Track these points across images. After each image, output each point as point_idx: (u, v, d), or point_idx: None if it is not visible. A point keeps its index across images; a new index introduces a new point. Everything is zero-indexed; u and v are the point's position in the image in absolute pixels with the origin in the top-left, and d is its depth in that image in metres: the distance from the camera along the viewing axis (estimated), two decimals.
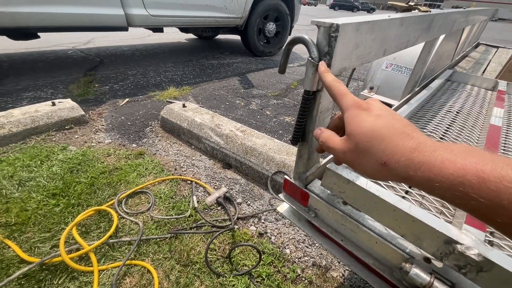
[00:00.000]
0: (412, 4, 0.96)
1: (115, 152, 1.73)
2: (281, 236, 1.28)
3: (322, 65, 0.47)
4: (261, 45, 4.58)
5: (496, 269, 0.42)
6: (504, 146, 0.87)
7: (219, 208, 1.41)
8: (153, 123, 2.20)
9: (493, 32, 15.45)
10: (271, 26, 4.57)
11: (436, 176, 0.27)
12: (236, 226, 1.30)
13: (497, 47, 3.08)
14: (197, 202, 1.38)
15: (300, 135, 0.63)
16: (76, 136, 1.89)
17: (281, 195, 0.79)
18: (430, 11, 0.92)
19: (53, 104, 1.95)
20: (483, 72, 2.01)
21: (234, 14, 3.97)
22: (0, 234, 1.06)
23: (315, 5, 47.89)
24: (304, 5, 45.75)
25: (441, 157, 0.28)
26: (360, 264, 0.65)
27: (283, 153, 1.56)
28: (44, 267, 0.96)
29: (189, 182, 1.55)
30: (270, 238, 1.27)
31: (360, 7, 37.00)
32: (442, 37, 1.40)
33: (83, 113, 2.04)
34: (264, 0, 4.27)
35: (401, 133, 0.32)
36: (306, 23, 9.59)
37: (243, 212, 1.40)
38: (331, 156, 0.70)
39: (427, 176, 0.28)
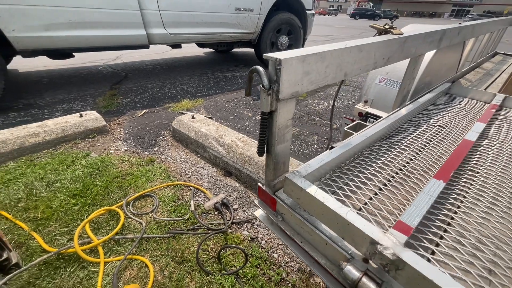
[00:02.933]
0: (387, 27, 1.03)
1: (129, 159, 1.93)
2: (271, 242, 1.36)
3: None
4: None
5: (407, 268, 0.48)
6: (465, 162, 0.90)
7: (216, 212, 1.52)
8: (165, 133, 2.40)
9: None
10: (283, 39, 4.73)
11: None
12: (229, 230, 1.40)
13: None
14: (195, 206, 1.51)
15: (263, 148, 0.73)
16: (98, 144, 2.12)
17: (255, 201, 0.89)
18: (401, 34, 0.99)
19: (81, 115, 2.22)
20: (491, 83, 1.97)
21: (247, 29, 4.19)
22: (28, 227, 1.26)
23: (335, 15, 47.87)
24: (324, 15, 45.92)
25: None
26: (317, 264, 0.72)
27: None
28: (60, 256, 1.13)
29: (191, 188, 1.69)
30: (261, 243, 1.35)
31: (382, 15, 36.34)
32: (431, 53, 1.44)
33: (105, 123, 2.29)
34: (277, 15, 4.45)
35: None
36: (324, 33, 9.68)
37: (238, 217, 1.50)
38: (302, 166, 0.78)
39: None
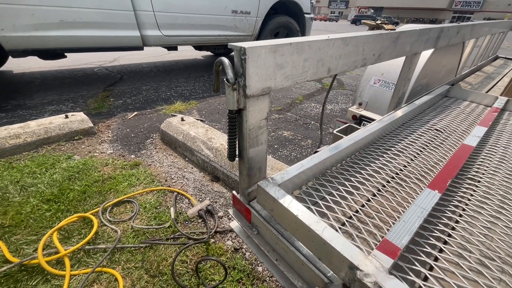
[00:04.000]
0: (379, 22, 0.95)
1: (113, 162, 1.84)
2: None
3: None
4: None
5: None
6: (464, 169, 0.81)
7: (200, 220, 1.43)
8: (154, 135, 2.32)
9: None
10: None
11: None
12: (212, 240, 1.30)
13: None
14: (175, 213, 1.41)
15: (234, 152, 0.64)
16: (83, 146, 2.04)
17: (230, 211, 0.80)
18: (394, 29, 0.91)
19: (66, 116, 2.15)
20: (492, 87, 1.88)
21: (244, 32, 4.14)
22: None
23: (336, 21, 48.21)
24: (325, 21, 46.27)
25: None
26: (294, 286, 0.63)
27: (268, 168, 1.56)
28: (23, 267, 1.04)
29: (175, 193, 1.60)
30: (245, 254, 1.25)
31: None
32: (428, 52, 1.36)
33: (92, 125, 2.21)
34: (275, 18, 4.41)
35: None
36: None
37: (223, 226, 1.41)
38: (278, 173, 0.70)
39: None
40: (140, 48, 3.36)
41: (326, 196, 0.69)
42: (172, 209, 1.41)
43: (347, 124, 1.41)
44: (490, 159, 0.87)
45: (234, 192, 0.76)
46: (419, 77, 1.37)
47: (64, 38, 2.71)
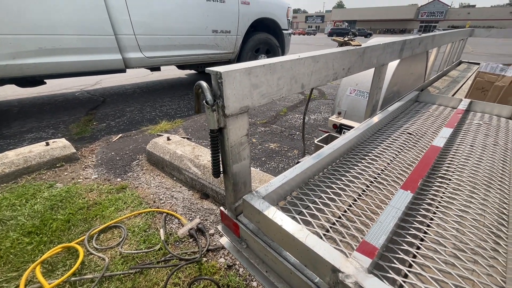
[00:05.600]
0: (346, 39, 1.04)
1: (98, 187, 1.80)
2: (248, 271, 1.25)
3: None
4: None
5: None
6: (435, 169, 0.87)
7: (191, 240, 1.41)
8: (140, 156, 2.30)
9: (493, 47, 15.63)
10: (263, 58, 4.85)
11: None
12: (205, 258, 1.29)
13: (478, 64, 3.12)
14: (165, 234, 1.39)
15: (218, 168, 0.67)
16: (66, 173, 1.98)
17: (219, 227, 0.81)
18: (360, 45, 0.99)
19: (47, 144, 2.09)
20: (457, 90, 2.04)
21: (225, 50, 4.27)
22: None
23: (314, 34, 50.52)
24: (303, 35, 48.34)
25: None
26: None
27: (255, 181, 1.58)
28: None
29: (164, 214, 1.57)
30: (238, 271, 1.24)
31: (357, 33, 38.79)
32: (395, 62, 1.47)
33: (75, 151, 2.16)
34: (254, 35, 4.60)
35: None
36: (300, 51, 10.08)
37: (215, 243, 1.39)
38: (262, 186, 0.72)
39: None
40: (122, 71, 3.38)
41: (310, 205, 0.72)
42: (161, 231, 1.39)
43: (327, 133, 1.47)
44: (457, 157, 0.95)
45: (221, 208, 0.78)
46: (390, 85, 1.47)
47: (44, 65, 2.69)
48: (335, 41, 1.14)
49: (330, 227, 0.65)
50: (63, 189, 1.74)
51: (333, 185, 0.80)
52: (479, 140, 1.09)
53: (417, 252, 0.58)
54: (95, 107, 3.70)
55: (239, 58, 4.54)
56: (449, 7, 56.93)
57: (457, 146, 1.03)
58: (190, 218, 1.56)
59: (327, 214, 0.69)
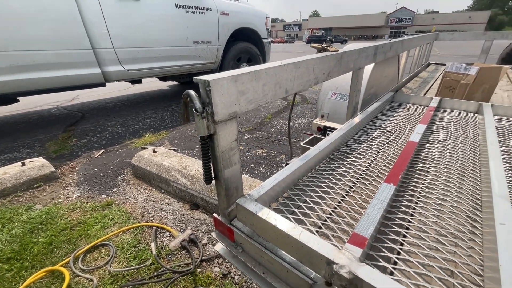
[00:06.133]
0: (324, 46, 1.10)
1: (82, 205, 1.72)
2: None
3: None
4: None
5: (366, 286, 0.44)
6: (414, 162, 0.93)
7: (183, 252, 1.38)
8: (125, 171, 2.23)
9: (457, 48, 16.88)
10: (244, 67, 4.92)
11: None
12: (199, 269, 1.27)
13: (445, 65, 3.36)
14: (157, 248, 1.36)
15: (210, 175, 0.68)
16: (45, 194, 1.89)
17: (213, 234, 0.81)
18: (337, 50, 1.06)
19: (23, 164, 1.98)
20: (428, 89, 2.19)
21: (207, 60, 4.30)
22: None
23: (293, 42, 52.08)
24: (283, 43, 49.67)
25: None
26: None
27: (245, 187, 1.59)
28: None
29: (155, 228, 1.53)
30: (234, 278, 1.23)
31: (333, 40, 40.56)
32: (371, 66, 1.57)
33: (54, 169, 2.07)
34: (235, 45, 4.67)
35: None
36: (281, 59, 10.35)
37: (208, 253, 1.37)
38: (254, 189, 0.74)
39: None
40: (102, 85, 3.31)
41: (301, 204, 0.75)
42: (152, 245, 1.35)
43: (312, 136, 1.52)
44: (433, 150, 1.02)
45: (215, 214, 0.78)
46: (367, 87, 1.56)
47: (16, 82, 2.57)
48: (314, 48, 1.20)
49: (322, 224, 0.68)
50: (43, 210, 1.65)
51: (321, 184, 0.84)
52: (450, 134, 1.18)
53: (403, 240, 0.62)
54: (73, 123, 3.57)
55: (221, 68, 4.59)
56: (415, 13, 61.14)
57: (431, 140, 1.11)
58: (181, 230, 1.53)
59: (318, 212, 0.71)
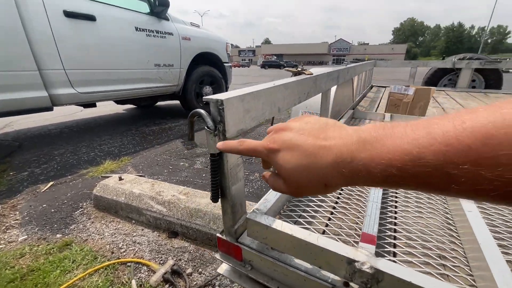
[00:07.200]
0: (300, 69, 1.23)
1: (32, 250, 1.45)
2: None
3: (223, 144, 0.46)
4: (200, 106, 4.86)
5: (387, 277, 0.49)
6: None
7: (166, 286, 1.26)
8: (84, 204, 1.97)
9: (388, 73, 19.95)
10: (207, 89, 4.97)
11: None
12: None
13: (385, 87, 3.97)
14: (140, 286, 1.21)
15: (218, 192, 0.68)
16: None
17: (217, 255, 0.79)
18: (312, 74, 1.19)
19: None
20: (377, 107, 2.55)
21: (170, 83, 4.23)
22: None
23: (248, 66, 54.74)
24: (238, 67, 51.82)
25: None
26: None
27: None
28: None
29: (129, 264, 1.37)
30: None
31: (285, 65, 44.06)
32: (334, 88, 1.78)
33: None
34: (198, 68, 4.73)
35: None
36: (243, 82, 10.77)
37: (195, 282, 1.28)
38: (260, 204, 0.75)
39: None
40: (49, 109, 2.95)
41: (303, 214, 0.79)
42: (133, 282, 1.20)
43: None
44: None
45: (218, 234, 0.76)
46: (333, 106, 1.75)
47: None
48: (289, 71, 1.32)
49: (325, 229, 0.73)
50: None
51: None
52: None
53: (396, 235, 0.70)
54: (8, 154, 3.05)
55: (184, 90, 4.55)
56: (351, 44, 71.22)
57: None
58: (162, 262, 1.40)
59: (320, 219, 0.76)
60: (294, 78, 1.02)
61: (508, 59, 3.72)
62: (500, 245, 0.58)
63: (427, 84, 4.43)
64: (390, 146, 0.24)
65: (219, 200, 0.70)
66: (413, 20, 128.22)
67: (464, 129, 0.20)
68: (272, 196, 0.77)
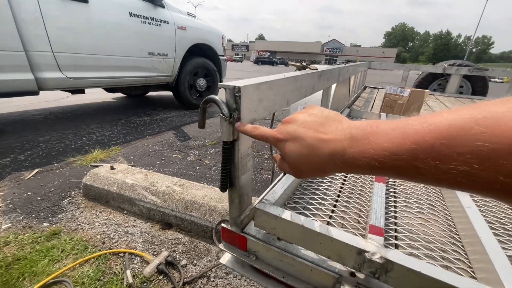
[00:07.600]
0: (305, 64, 1.23)
1: (17, 238, 1.39)
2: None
3: (241, 125, 0.55)
4: (193, 99, 4.78)
5: (396, 267, 0.50)
6: None
7: (161, 277, 1.24)
8: (73, 193, 1.90)
9: (377, 76, 20.37)
10: (201, 82, 4.89)
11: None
12: None
13: (378, 88, 4.05)
14: (133, 276, 1.19)
15: (227, 181, 0.67)
16: None
17: (221, 245, 0.78)
18: (317, 69, 1.19)
19: None
20: (372, 107, 2.60)
21: (163, 73, 4.13)
22: None
23: (241, 61, 54.26)
24: (231, 61, 51.26)
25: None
26: None
27: (225, 201, 1.55)
28: None
29: (121, 254, 1.34)
30: None
31: (278, 62, 43.98)
32: (334, 85, 1.79)
33: None
34: (192, 59, 4.63)
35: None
36: (237, 76, 10.65)
37: (190, 274, 1.27)
38: (262, 196, 0.75)
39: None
40: (35, 93, 2.81)
41: (307, 206, 0.79)
42: (128, 272, 1.17)
43: None
44: None
45: (223, 224, 0.75)
46: (332, 103, 1.76)
47: None
48: (293, 66, 1.32)
49: (330, 221, 0.74)
50: None
51: (322, 184, 0.90)
52: None
53: (397, 228, 0.72)
54: None
55: (177, 82, 4.46)
56: (343, 45, 72.05)
57: None
58: (155, 253, 1.38)
59: (324, 211, 0.77)
60: (299, 72, 1.02)
61: (493, 69, 3.89)
62: (498, 241, 0.61)
63: (418, 88, 4.56)
64: (373, 144, 0.29)
65: (227, 190, 0.69)
66: (404, 25, 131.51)
67: (430, 131, 0.24)
68: (279, 188, 0.77)
